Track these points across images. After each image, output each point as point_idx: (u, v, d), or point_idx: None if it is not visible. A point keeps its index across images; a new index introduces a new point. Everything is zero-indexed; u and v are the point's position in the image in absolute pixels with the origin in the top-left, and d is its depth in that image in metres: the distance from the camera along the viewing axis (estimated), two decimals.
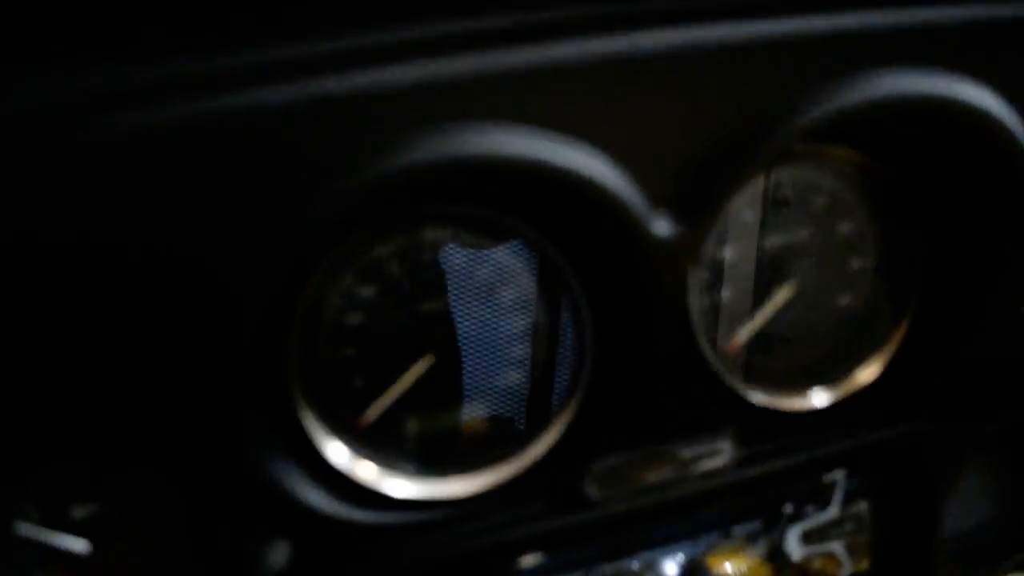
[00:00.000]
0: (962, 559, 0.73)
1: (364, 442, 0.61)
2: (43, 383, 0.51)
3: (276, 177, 0.48)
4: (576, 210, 0.54)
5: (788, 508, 0.69)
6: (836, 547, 0.70)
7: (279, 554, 0.58)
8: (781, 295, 0.65)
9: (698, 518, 0.67)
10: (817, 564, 0.70)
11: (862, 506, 0.70)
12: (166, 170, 0.46)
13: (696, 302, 0.61)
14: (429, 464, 0.62)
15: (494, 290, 0.61)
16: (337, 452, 0.58)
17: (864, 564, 0.72)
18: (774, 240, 0.65)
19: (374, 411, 0.60)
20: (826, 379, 0.67)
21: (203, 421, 0.53)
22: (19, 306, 0.47)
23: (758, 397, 0.63)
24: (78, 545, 0.58)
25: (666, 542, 0.66)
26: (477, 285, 0.60)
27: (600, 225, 0.54)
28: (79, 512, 0.59)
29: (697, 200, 0.55)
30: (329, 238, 0.54)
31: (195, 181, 0.46)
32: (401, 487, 0.60)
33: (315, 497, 0.57)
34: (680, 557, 0.67)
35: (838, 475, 0.69)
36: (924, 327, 0.66)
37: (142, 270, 0.48)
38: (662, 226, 0.55)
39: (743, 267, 0.64)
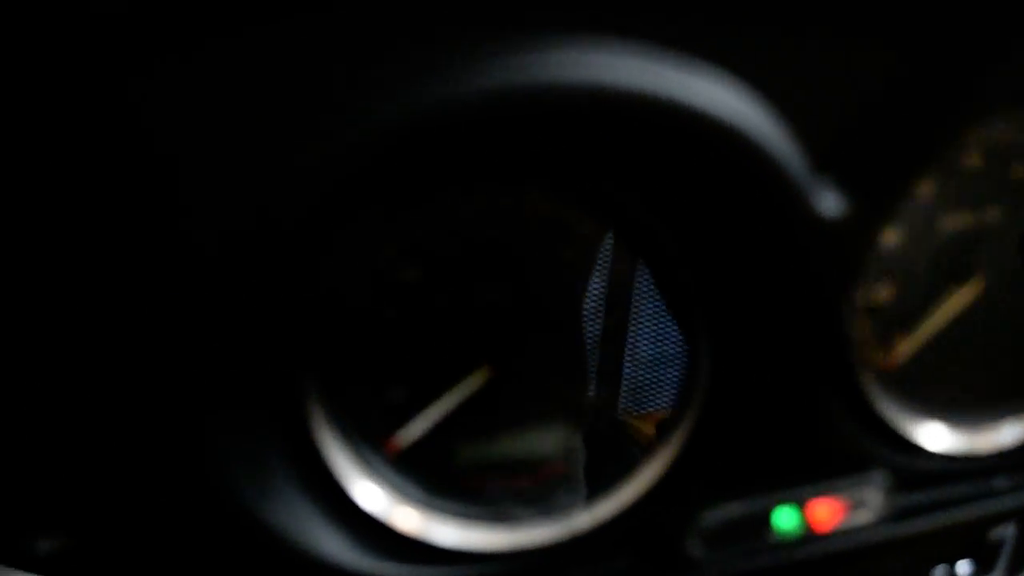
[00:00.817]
0: None
1: (397, 473, 0.46)
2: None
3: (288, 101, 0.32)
4: (702, 170, 0.38)
5: (939, 573, 0.53)
6: None
7: None
8: (961, 295, 0.48)
9: None
10: None
11: None
12: None
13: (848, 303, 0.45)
14: (482, 506, 0.47)
15: (579, 278, 0.45)
16: (368, 494, 0.43)
17: None
18: (955, 221, 0.48)
19: (411, 433, 0.45)
20: (1013, 409, 0.50)
21: (194, 440, 0.39)
22: None
23: (927, 435, 0.47)
24: None
25: None
26: (556, 270, 0.45)
27: (737, 194, 0.38)
28: (45, 546, 0.46)
29: (881, 168, 0.39)
30: (354, 193, 0.38)
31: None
32: (454, 536, 0.45)
33: (338, 549, 0.43)
34: None
35: (1007, 531, 0.53)
36: None
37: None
38: (829, 201, 0.38)
39: (911, 257, 0.48)
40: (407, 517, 0.43)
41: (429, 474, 0.46)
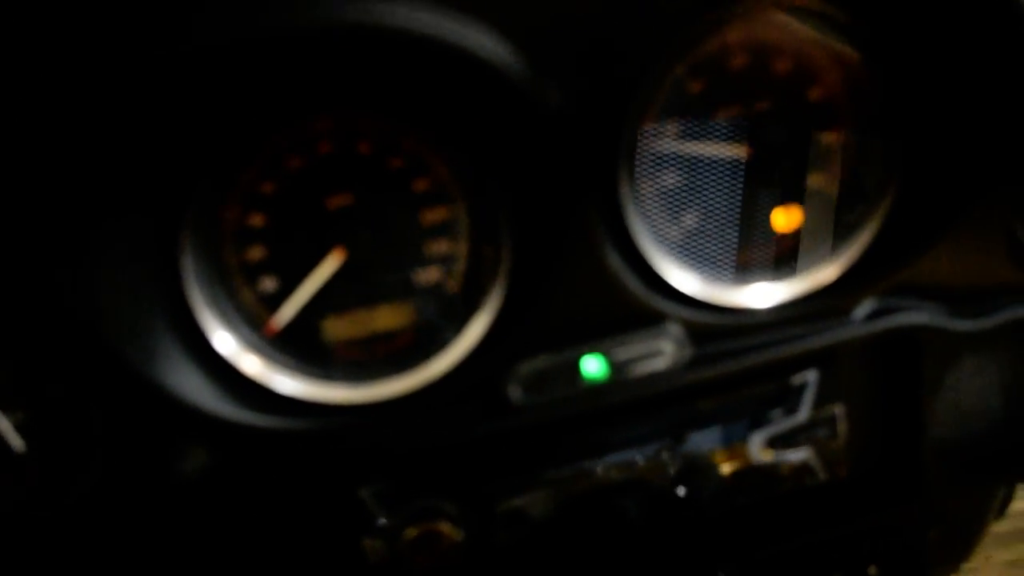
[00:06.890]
0: (958, 467, 0.66)
1: (281, 349, 0.58)
2: None
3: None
4: (451, 82, 0.48)
5: (749, 413, 0.63)
6: (806, 454, 0.64)
7: (193, 459, 0.57)
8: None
9: (644, 424, 0.62)
10: (785, 470, 0.64)
11: (837, 409, 0.63)
12: None
13: (632, 186, 0.55)
14: (348, 369, 0.59)
15: (406, 181, 0.56)
16: (224, 342, 0.56)
17: (841, 472, 0.65)
18: (726, 111, 0.56)
19: (286, 312, 0.57)
20: (785, 272, 0.59)
21: (104, 324, 0.52)
22: None
23: (696, 287, 0.56)
24: (15, 441, 0.59)
25: (610, 450, 0.61)
26: (387, 176, 0.55)
27: (486, 101, 0.48)
28: (7, 419, 0.60)
29: (592, 66, 0.48)
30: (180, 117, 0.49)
31: None
32: (290, 384, 0.57)
33: (219, 403, 0.55)
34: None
35: (809, 376, 0.62)
36: (899, 224, 0.57)
37: None
38: (552, 97, 0.48)
39: (692, 145, 0.57)
40: (253, 364, 0.56)
41: (303, 348, 0.58)
